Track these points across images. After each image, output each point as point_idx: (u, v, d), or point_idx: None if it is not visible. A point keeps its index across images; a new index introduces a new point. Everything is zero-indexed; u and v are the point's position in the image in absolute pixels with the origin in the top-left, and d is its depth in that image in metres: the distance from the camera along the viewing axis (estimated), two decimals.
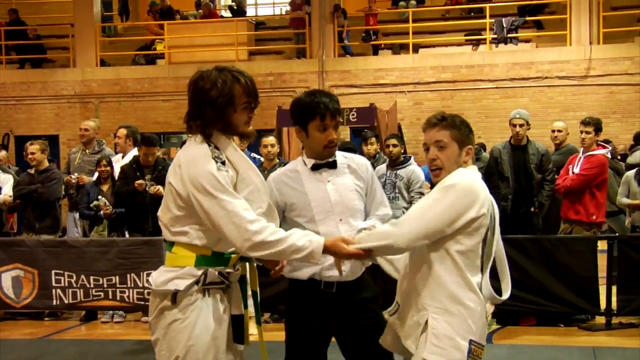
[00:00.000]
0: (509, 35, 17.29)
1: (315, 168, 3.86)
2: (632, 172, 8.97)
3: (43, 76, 18.71)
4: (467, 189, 3.28)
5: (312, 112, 3.76)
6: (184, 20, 19.91)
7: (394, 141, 8.41)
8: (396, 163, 8.30)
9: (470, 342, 3.23)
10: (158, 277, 3.36)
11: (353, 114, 13.14)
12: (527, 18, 17.62)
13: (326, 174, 3.86)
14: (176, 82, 17.07)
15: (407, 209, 8.24)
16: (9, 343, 7.85)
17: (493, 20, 17.34)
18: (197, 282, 3.30)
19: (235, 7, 20.42)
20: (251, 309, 6.31)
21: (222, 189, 3.23)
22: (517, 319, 8.04)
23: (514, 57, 16.89)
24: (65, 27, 19.47)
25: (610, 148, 9.54)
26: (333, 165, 3.87)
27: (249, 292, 3.53)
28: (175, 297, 3.30)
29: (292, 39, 19.04)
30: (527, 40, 17.74)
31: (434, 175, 3.44)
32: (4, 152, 11.92)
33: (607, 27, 16.56)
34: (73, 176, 9.52)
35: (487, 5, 17.51)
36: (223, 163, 3.29)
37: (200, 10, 19.88)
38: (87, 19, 18.80)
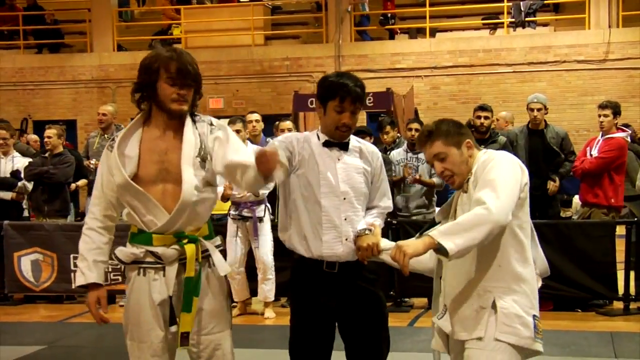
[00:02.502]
0: (526, 18, 17.14)
1: (327, 144, 3.87)
2: None
3: (61, 61, 18.77)
4: (508, 156, 3.35)
5: (334, 91, 3.80)
6: (200, 4, 19.87)
7: (416, 125, 8.55)
8: (416, 146, 8.31)
9: (534, 317, 3.28)
10: None
11: (370, 99, 13.09)
12: (546, 1, 17.46)
13: (337, 152, 3.88)
14: None
15: None
16: (29, 326, 7.93)
17: (511, 3, 17.18)
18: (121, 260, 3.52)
19: None
20: (269, 294, 6.23)
21: (100, 166, 3.62)
22: None
23: (531, 41, 16.75)
24: (82, 12, 19.51)
25: (630, 131, 9.49)
26: (345, 146, 3.89)
27: (231, 275, 3.74)
28: (124, 273, 3.62)
29: (308, 23, 18.95)
30: (545, 24, 17.59)
31: (451, 183, 3.46)
32: (31, 136, 11.95)
33: (627, 10, 16.38)
34: (92, 161, 9.56)
35: None
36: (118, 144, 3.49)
37: None
38: (104, 3, 18.82)
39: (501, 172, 3.22)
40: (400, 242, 3.18)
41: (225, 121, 7.70)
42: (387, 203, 4.04)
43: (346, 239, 3.81)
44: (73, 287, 8.60)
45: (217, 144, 3.47)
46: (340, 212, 3.82)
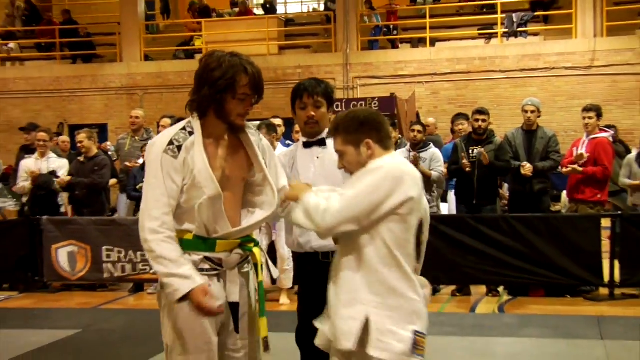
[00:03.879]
0: (518, 29, 17.05)
1: (306, 145, 3.88)
2: (633, 155, 8.92)
3: (93, 70, 18.82)
4: (391, 171, 2.94)
5: (295, 93, 3.84)
6: (220, 17, 19.90)
7: (419, 127, 8.57)
8: (418, 147, 8.33)
9: (414, 332, 2.92)
10: None
11: (375, 103, 13.15)
12: (537, 13, 17.38)
13: (316, 150, 3.86)
14: None
15: None
16: (66, 312, 7.97)
17: (504, 15, 17.12)
18: None
19: (267, 5, 20.35)
20: (285, 282, 6.19)
21: (154, 171, 2.96)
22: (527, 291, 8.01)
23: (523, 50, 16.67)
24: (112, 25, 19.55)
25: (612, 132, 9.49)
26: (322, 143, 3.86)
27: (261, 278, 3.21)
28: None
29: (319, 34, 18.93)
30: (535, 34, 17.50)
31: None
32: (63, 137, 11.97)
33: (611, 21, 16.29)
34: (131, 161, 9.54)
35: (499, 2, 17.28)
36: (179, 147, 2.97)
37: (236, 9, 19.85)
38: (132, 17, 18.85)
39: (365, 187, 2.90)
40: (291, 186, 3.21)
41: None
42: None
43: None
44: (105, 276, 8.64)
45: (267, 157, 3.22)
46: None
